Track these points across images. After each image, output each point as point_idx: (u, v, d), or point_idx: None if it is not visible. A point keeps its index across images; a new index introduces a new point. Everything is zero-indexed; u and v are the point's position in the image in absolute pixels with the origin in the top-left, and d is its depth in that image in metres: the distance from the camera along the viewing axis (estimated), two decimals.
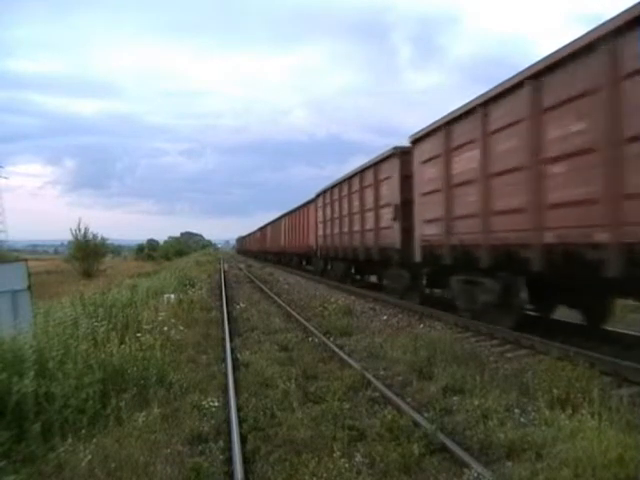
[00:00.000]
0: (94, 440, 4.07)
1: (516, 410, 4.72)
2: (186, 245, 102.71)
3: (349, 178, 17.02)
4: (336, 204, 18.85)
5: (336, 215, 18.85)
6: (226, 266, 37.37)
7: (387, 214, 13.16)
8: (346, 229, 17.34)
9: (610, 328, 8.33)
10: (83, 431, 4.20)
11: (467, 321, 9.53)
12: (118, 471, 3.61)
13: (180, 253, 73.87)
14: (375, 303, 13.49)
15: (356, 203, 16.07)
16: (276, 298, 14.97)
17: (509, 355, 7.27)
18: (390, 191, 13.01)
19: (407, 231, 11.78)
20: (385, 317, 10.92)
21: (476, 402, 4.89)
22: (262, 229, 51.63)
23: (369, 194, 14.80)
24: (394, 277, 13.69)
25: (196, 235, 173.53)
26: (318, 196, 22.53)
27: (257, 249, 57.44)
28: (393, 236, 12.66)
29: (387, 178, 13.26)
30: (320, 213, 21.94)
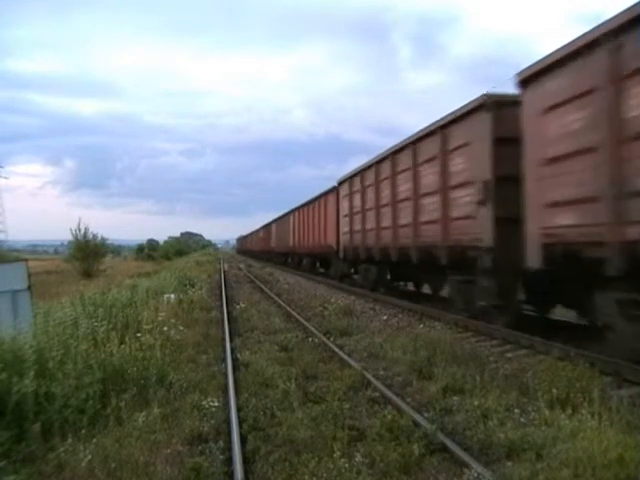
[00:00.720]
0: (94, 440, 4.07)
1: (516, 410, 4.72)
2: (186, 245, 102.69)
3: (393, 153, 12.68)
4: (370, 191, 14.60)
5: (370, 205, 14.54)
6: (226, 266, 37.38)
7: (466, 197, 9.12)
8: (387, 223, 13.10)
9: None
10: (83, 431, 4.20)
11: (467, 321, 9.50)
12: (118, 471, 3.61)
13: (180, 253, 73.83)
14: (375, 303, 13.49)
15: (405, 186, 11.86)
16: (276, 298, 14.97)
17: (509, 355, 7.27)
18: (472, 163, 8.90)
19: (506, 222, 8.02)
20: (385, 317, 10.92)
21: (476, 402, 4.90)
22: (266, 227, 47.58)
23: (430, 171, 10.55)
24: (470, 288, 9.33)
25: (196, 235, 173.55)
26: (342, 183, 18.09)
27: (260, 249, 53.74)
28: (479, 229, 8.67)
29: (465, 145, 9.13)
30: (345, 205, 17.49)
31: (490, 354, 7.25)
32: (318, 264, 26.07)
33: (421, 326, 9.57)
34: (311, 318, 10.90)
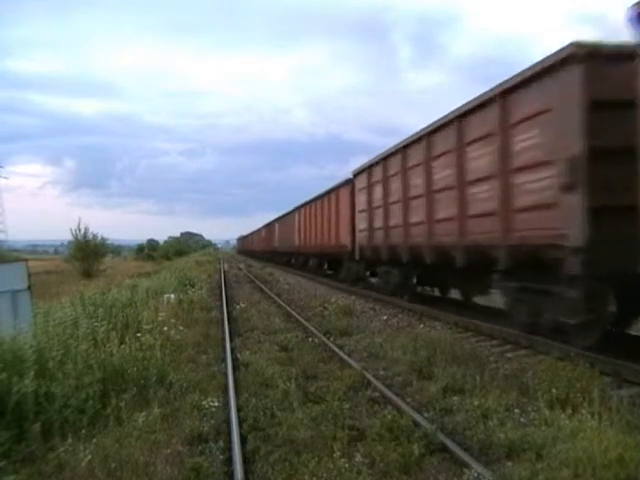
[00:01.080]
0: (94, 440, 4.07)
1: (516, 410, 4.72)
2: (186, 245, 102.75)
3: (428, 134, 10.45)
4: (395, 182, 12.43)
5: (396, 198, 12.33)
6: (226, 266, 37.40)
7: (539, 182, 7.01)
8: (419, 217, 10.90)
9: None
10: (83, 431, 4.21)
11: (467, 321, 9.48)
12: (118, 471, 3.61)
13: (180, 253, 73.90)
14: (375, 303, 13.48)
15: (445, 173, 9.74)
16: (276, 298, 14.98)
17: (509, 355, 7.27)
18: (552, 136, 6.75)
19: (603, 212, 6.11)
20: (385, 317, 10.92)
21: (476, 402, 4.90)
22: (268, 226, 45.38)
23: (482, 152, 8.41)
24: (536, 298, 7.38)
25: (196, 235, 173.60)
26: (358, 174, 15.85)
27: (262, 249, 51.56)
28: (561, 222, 6.57)
29: (541, 113, 6.92)
30: (362, 198, 15.31)
31: (490, 354, 7.25)
32: (326, 265, 23.78)
33: (421, 326, 9.57)
34: (311, 318, 10.90)
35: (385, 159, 13.22)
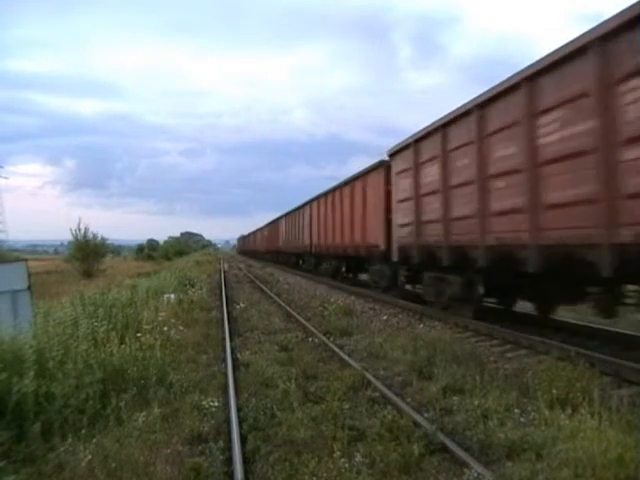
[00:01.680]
0: (94, 440, 4.07)
1: (516, 410, 4.72)
2: (186, 245, 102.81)
3: (528, 79, 7.15)
4: (463, 156, 9.04)
5: (465, 178, 8.99)
6: (226, 266, 37.40)
7: None
8: (513, 204, 7.61)
9: None
10: (83, 431, 4.20)
11: (467, 321, 9.49)
12: (118, 471, 3.61)
13: (180, 253, 73.93)
14: (375, 303, 13.48)
15: (564, 133, 6.51)
16: (276, 298, 14.97)
17: (509, 355, 7.28)
18: None
19: None
20: (385, 317, 10.92)
21: (476, 402, 4.90)
22: (273, 224, 42.35)
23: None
24: None
25: (196, 235, 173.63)
26: (397, 153, 12.42)
27: (264, 249, 49.55)
28: None
29: None
30: (404, 184, 11.89)
31: (490, 354, 7.26)
32: (344, 268, 19.99)
33: (421, 326, 9.58)
34: (311, 318, 10.90)
35: (445, 126, 9.64)
